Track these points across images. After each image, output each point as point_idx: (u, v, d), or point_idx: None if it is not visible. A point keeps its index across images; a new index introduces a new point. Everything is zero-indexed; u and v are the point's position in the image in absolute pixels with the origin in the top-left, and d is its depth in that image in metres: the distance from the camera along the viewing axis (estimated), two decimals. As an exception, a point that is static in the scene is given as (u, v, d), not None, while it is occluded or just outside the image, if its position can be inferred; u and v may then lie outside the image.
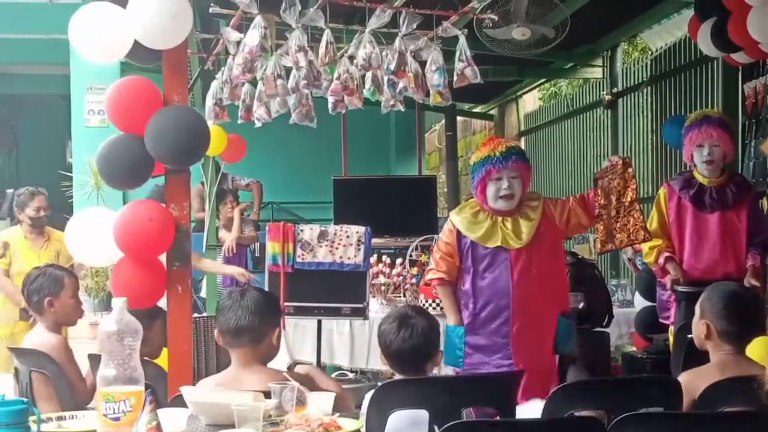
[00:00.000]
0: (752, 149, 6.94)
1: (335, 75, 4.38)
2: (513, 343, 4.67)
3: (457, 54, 3.98)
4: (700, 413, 2.90)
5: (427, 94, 4.27)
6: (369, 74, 4.18)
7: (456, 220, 4.78)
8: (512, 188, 4.65)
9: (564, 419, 2.92)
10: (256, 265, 9.38)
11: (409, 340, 3.42)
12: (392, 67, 4.08)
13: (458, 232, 4.73)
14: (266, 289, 5.39)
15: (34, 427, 2.24)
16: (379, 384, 3.54)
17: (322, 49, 4.13)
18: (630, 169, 4.63)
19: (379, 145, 14.26)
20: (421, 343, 3.43)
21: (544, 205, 4.80)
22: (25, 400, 2.25)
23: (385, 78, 4.23)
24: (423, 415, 3.25)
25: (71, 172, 11.60)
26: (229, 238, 8.69)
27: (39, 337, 4.39)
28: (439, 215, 10.51)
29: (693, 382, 3.21)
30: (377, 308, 6.36)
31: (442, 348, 3.99)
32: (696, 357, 3.70)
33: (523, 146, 14.18)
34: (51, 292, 4.42)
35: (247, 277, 7.98)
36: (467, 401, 3.29)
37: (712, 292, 3.47)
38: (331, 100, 4.61)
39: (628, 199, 4.56)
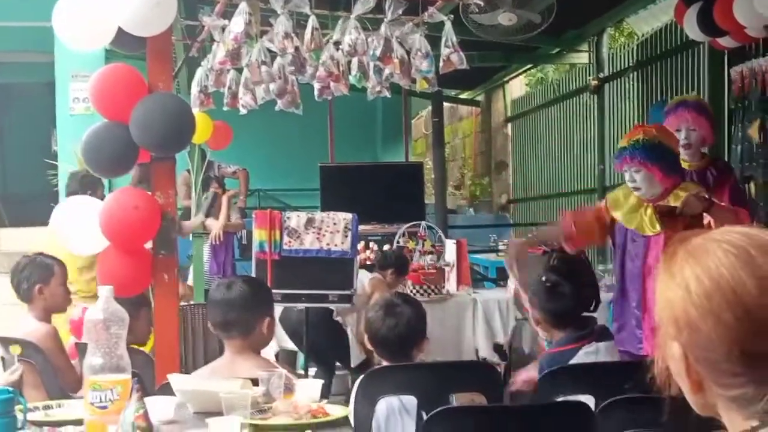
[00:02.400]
0: (740, 134, 6.95)
1: (321, 61, 4.36)
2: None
3: (443, 40, 3.96)
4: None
5: (414, 81, 4.25)
6: (355, 60, 4.16)
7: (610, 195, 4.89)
8: (635, 182, 4.63)
9: (552, 404, 2.92)
10: (242, 252, 9.37)
11: (395, 329, 3.42)
12: (378, 53, 4.05)
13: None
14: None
15: (20, 416, 2.22)
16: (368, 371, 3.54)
17: (307, 35, 4.11)
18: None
19: (365, 131, 14.25)
20: (407, 332, 3.44)
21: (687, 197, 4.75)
22: (11, 389, 2.23)
23: (371, 64, 4.21)
24: (411, 401, 3.26)
25: (56, 161, 11.58)
26: (216, 225, 8.66)
27: (28, 326, 4.37)
28: (426, 201, 10.53)
29: None
30: (365, 295, 6.36)
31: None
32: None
33: (509, 132, 14.21)
34: (41, 279, 4.41)
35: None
36: (455, 387, 3.29)
37: None
38: (317, 86, 4.59)
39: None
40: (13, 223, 11.83)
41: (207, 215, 8.64)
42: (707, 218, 4.47)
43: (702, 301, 1.30)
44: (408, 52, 4.11)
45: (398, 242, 8.12)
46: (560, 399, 3.16)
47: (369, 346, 3.57)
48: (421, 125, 15.78)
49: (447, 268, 7.67)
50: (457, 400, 3.20)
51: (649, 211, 4.66)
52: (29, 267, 4.49)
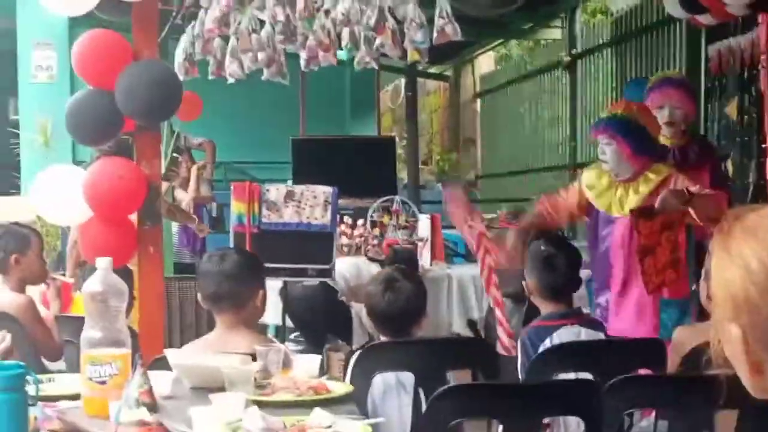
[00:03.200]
0: (716, 112, 6.97)
1: (312, 29, 4.28)
2: None
3: (438, 10, 3.90)
4: (691, 376, 2.88)
5: (404, 52, 4.19)
6: (346, 30, 4.08)
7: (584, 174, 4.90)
8: (605, 154, 4.60)
9: (559, 382, 2.89)
10: (213, 225, 9.26)
11: (395, 303, 3.37)
12: (371, 22, 3.98)
13: None
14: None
15: (32, 391, 2.15)
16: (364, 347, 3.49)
17: (300, 3, 4.02)
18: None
19: (334, 104, 14.12)
20: (407, 307, 3.38)
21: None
22: (22, 363, 2.15)
23: (362, 34, 4.14)
24: (408, 377, 3.22)
25: (15, 129, 11.36)
26: (186, 198, 8.54)
27: (2, 297, 4.26)
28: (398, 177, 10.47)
29: (686, 337, 3.19)
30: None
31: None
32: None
33: (477, 108, 14.17)
34: (17, 249, 4.30)
35: (205, 232, 7.88)
36: (452, 364, 3.26)
37: None
38: (304, 56, 4.50)
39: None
40: (-28, 193, 11.59)
41: (166, 179, 8.51)
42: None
43: (763, 281, 1.25)
44: (399, 23, 4.04)
45: (372, 216, 8.06)
46: (557, 377, 3.14)
47: (367, 321, 3.51)
48: (387, 99, 15.68)
49: (420, 244, 7.64)
50: (455, 377, 3.16)
51: (619, 191, 4.65)
52: (5, 236, 4.38)
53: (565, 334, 3.56)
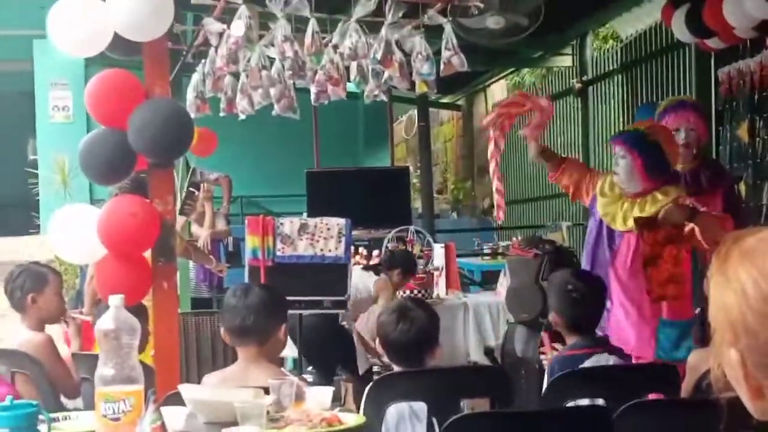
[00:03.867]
0: (728, 134, 6.97)
1: (321, 65, 4.32)
2: None
3: (444, 42, 3.94)
4: (703, 400, 2.88)
5: (412, 84, 4.23)
6: (354, 64, 4.13)
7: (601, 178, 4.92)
8: (618, 166, 4.69)
9: (570, 408, 2.89)
10: (228, 259, 9.30)
11: (408, 333, 3.38)
12: (378, 56, 4.03)
13: None
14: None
15: (43, 429, 2.17)
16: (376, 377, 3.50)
17: (308, 39, 4.07)
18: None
19: (347, 136, 14.22)
20: (420, 337, 3.39)
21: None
22: (35, 402, 2.18)
23: (370, 67, 4.18)
24: (421, 407, 3.23)
25: (34, 169, 11.46)
26: (203, 233, 8.58)
27: (21, 337, 4.30)
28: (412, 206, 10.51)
29: (701, 360, 3.19)
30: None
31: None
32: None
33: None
34: (34, 288, 4.34)
35: (223, 272, 7.90)
36: (466, 392, 3.26)
37: None
38: (314, 90, 4.55)
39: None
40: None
41: (183, 213, 8.55)
42: (689, 225, 4.47)
43: (760, 306, 1.24)
44: (407, 55, 4.09)
45: (387, 247, 8.09)
46: (571, 403, 3.14)
47: (381, 351, 3.52)
48: (401, 130, 15.75)
49: (436, 273, 7.66)
50: (469, 406, 3.17)
51: (626, 206, 4.67)
52: (22, 275, 4.42)
53: (595, 362, 3.58)
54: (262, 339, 3.24)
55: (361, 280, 6.60)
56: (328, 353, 6.27)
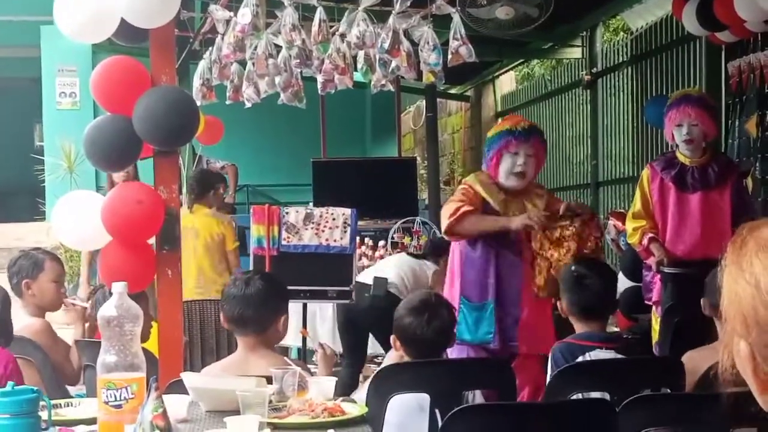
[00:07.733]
0: (737, 128, 6.94)
1: (327, 54, 4.30)
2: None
3: (452, 32, 3.92)
4: (707, 395, 2.87)
5: (419, 74, 4.20)
6: (361, 54, 4.11)
7: (474, 183, 4.69)
8: (526, 166, 4.59)
9: (573, 401, 2.88)
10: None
11: (428, 328, 3.35)
12: (386, 45, 4.00)
13: (475, 192, 4.64)
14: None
15: (44, 415, 2.17)
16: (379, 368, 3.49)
17: (315, 28, 4.05)
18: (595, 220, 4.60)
19: (354, 126, 14.18)
20: (439, 333, 3.36)
21: (548, 198, 4.76)
22: (35, 388, 2.17)
23: (377, 57, 4.16)
24: (424, 398, 3.21)
25: (40, 156, 11.45)
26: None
27: (21, 322, 4.29)
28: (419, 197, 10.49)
29: (696, 361, 3.18)
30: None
31: None
32: (685, 337, 3.70)
33: (499, 127, 14.14)
34: (29, 274, 4.32)
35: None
36: (469, 384, 3.25)
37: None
38: (320, 79, 4.53)
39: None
40: (-1, 219, 11.70)
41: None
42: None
43: None
44: (415, 45, 4.06)
45: (392, 238, 8.08)
46: (576, 396, 3.13)
47: (396, 346, 3.47)
48: (409, 120, 15.70)
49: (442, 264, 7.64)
50: (477, 397, 3.15)
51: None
52: (20, 261, 4.41)
53: (597, 357, 3.54)
54: (261, 328, 3.26)
55: (419, 268, 6.45)
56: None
